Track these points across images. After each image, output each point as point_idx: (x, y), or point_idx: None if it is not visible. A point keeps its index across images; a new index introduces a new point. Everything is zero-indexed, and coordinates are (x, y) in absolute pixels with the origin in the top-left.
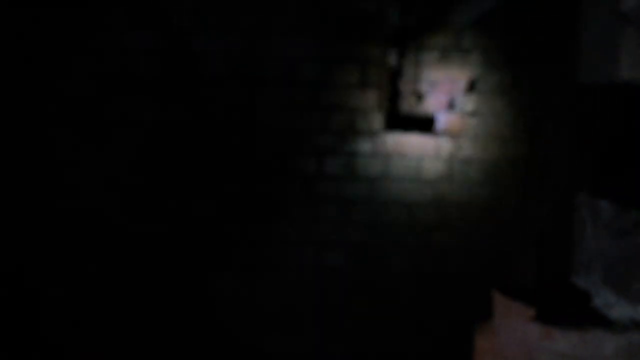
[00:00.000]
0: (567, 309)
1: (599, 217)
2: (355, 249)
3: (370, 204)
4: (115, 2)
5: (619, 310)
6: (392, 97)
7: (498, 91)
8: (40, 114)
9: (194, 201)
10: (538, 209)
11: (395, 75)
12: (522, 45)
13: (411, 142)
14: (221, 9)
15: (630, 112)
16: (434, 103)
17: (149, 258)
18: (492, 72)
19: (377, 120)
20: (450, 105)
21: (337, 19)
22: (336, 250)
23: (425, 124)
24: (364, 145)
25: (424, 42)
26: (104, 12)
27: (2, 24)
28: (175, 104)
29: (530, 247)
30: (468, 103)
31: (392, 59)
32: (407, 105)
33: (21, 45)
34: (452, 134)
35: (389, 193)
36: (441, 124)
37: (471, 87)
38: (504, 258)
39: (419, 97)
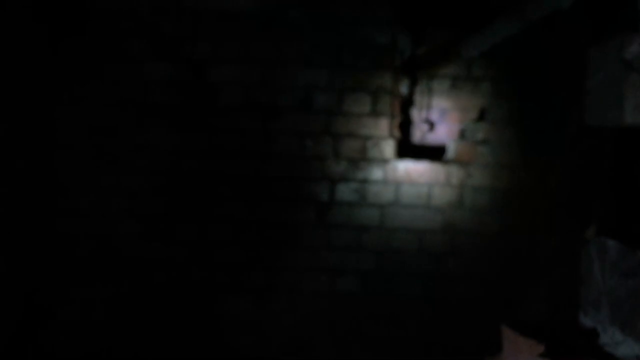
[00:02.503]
0: (575, 346)
1: (606, 255)
2: (366, 274)
3: (381, 230)
4: (134, 33)
5: (626, 348)
6: (404, 125)
7: (507, 121)
8: (56, 139)
9: (208, 226)
10: (547, 240)
11: (406, 104)
12: (530, 78)
13: (422, 170)
14: (237, 40)
15: (635, 154)
16: (444, 131)
17: (162, 282)
18: (502, 102)
19: (388, 148)
20: (461, 134)
21: (350, 49)
22: (347, 276)
23: (435, 152)
24: (376, 173)
25: (435, 72)
26: (123, 42)
27: (19, 45)
28: (191, 132)
29: (539, 279)
30: (478, 132)
31: (403, 88)
32: (418, 133)
33: (40, 70)
34: (462, 162)
35: (400, 219)
36: (451, 152)
37: (481, 116)
38: (513, 288)
39: (430, 125)
